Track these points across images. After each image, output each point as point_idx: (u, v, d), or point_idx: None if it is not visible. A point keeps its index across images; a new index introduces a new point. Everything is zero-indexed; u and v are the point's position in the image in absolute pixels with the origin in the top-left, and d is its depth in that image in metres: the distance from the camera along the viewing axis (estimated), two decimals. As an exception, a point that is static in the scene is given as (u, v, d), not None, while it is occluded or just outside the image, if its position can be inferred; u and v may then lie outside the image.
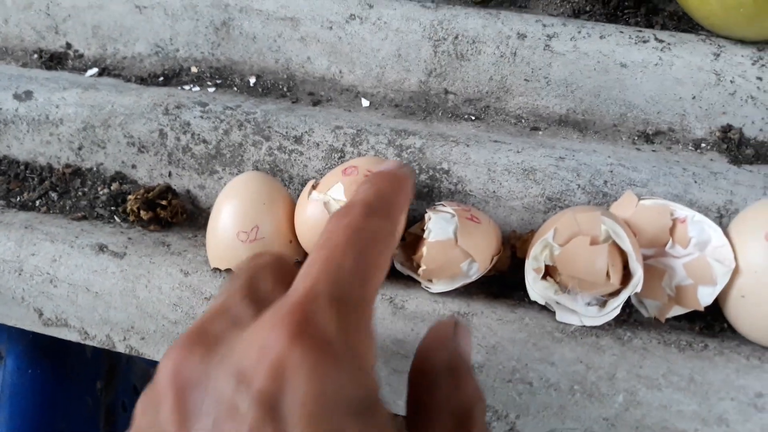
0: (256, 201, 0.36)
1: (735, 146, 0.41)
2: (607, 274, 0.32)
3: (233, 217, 0.36)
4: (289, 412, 0.17)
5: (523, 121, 0.44)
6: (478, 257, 0.34)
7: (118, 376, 0.51)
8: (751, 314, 0.33)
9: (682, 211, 0.34)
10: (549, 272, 0.34)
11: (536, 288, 0.33)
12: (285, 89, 0.46)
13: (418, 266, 0.35)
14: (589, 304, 0.34)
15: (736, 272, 0.32)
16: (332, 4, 0.45)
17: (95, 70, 0.48)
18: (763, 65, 0.41)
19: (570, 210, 0.34)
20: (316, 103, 0.45)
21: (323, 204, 0.35)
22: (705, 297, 0.33)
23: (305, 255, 0.37)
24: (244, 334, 0.19)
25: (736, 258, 0.33)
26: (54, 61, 0.49)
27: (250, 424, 0.17)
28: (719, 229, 0.33)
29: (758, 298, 0.32)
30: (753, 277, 0.32)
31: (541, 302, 0.34)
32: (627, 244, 0.32)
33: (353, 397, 0.18)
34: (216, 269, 0.37)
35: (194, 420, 0.18)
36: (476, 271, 0.35)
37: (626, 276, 0.33)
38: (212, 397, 0.18)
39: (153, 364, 0.58)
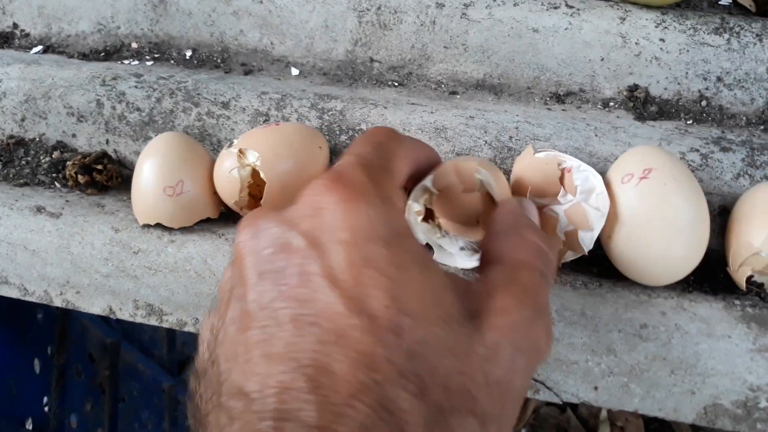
0: (178, 158, 0.38)
1: (641, 104, 0.44)
2: (477, 221, 0.34)
3: (158, 174, 0.38)
4: (328, 242, 0.21)
5: (442, 86, 0.46)
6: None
7: (70, 342, 0.53)
8: (621, 254, 0.35)
9: (569, 161, 0.36)
10: (430, 215, 0.36)
11: (419, 229, 0.35)
12: (219, 61, 0.49)
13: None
14: (462, 248, 0.36)
15: (609, 216, 0.35)
16: (262, -21, 0.48)
17: (40, 47, 0.50)
18: (665, 28, 0.44)
19: (453, 160, 0.36)
20: (247, 73, 0.47)
21: (236, 156, 0.37)
22: (586, 241, 0.35)
23: (226, 207, 0.40)
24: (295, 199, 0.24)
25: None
26: (1, 40, 0.52)
27: (301, 254, 0.21)
28: (600, 177, 0.36)
29: (624, 239, 0.34)
30: (617, 219, 0.34)
31: (424, 242, 0.36)
32: (497, 194, 0.34)
33: (382, 230, 0.22)
34: (146, 225, 0.40)
35: (264, 262, 0.22)
36: None
37: None
38: (271, 239, 0.22)
39: (108, 333, 0.61)
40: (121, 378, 0.61)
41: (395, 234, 0.22)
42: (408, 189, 0.33)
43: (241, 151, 0.37)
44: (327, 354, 0.20)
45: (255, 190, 0.38)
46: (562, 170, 0.36)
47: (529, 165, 0.37)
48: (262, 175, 0.37)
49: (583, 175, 0.36)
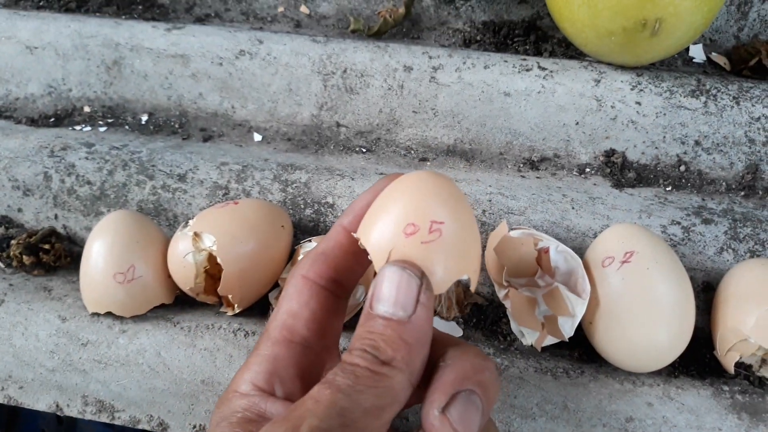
0: (129, 240, 0.36)
1: (618, 170, 0.42)
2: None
3: (107, 258, 0.35)
4: None
5: (412, 152, 0.44)
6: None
7: (20, 421, 0.50)
8: (603, 341, 0.33)
9: (547, 241, 0.34)
10: None
11: None
12: (177, 126, 0.46)
13: None
14: None
15: (589, 300, 0.33)
16: (222, 41, 0.45)
17: (-15, 112, 0.47)
18: (641, 90, 0.42)
19: None
20: (207, 139, 0.45)
21: (191, 239, 0.34)
22: (566, 327, 0.33)
23: (180, 291, 0.37)
24: None
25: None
26: (-56, 104, 0.48)
27: None
28: (579, 260, 0.34)
29: (606, 325, 0.32)
30: (598, 304, 0.33)
31: None
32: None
33: None
34: (95, 314, 0.37)
35: None
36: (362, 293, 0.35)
37: None
38: None
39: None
40: (78, 454, 0.57)
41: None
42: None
43: (196, 234, 0.35)
44: None
45: (214, 269, 0.36)
46: (539, 251, 0.34)
47: (504, 244, 0.35)
48: (219, 259, 0.34)
49: (561, 256, 0.34)
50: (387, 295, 0.24)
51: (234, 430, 0.23)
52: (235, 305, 0.36)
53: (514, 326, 0.36)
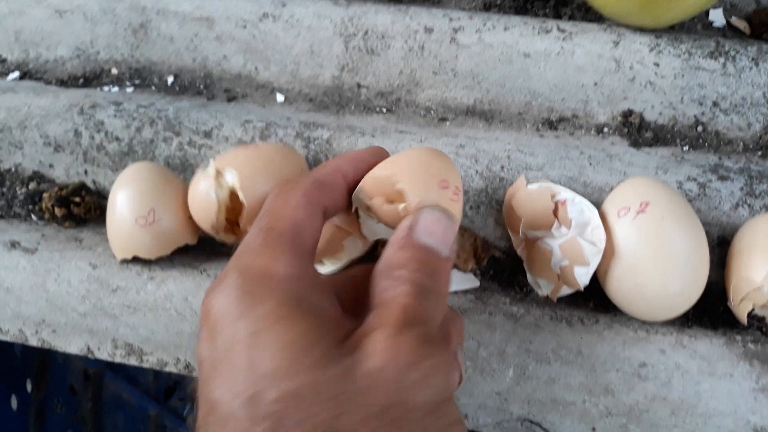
0: (148, 187, 0.37)
1: (636, 130, 0.43)
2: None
3: (129, 205, 0.37)
4: (206, 328, 0.24)
5: (432, 112, 0.45)
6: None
7: (50, 375, 0.51)
8: (618, 290, 0.34)
9: (564, 193, 0.35)
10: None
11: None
12: (202, 87, 0.47)
13: None
14: None
15: (605, 250, 0.33)
16: (246, 4, 0.47)
17: (17, 74, 0.49)
18: (660, 52, 0.42)
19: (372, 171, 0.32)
20: (230, 99, 0.46)
21: (213, 177, 0.35)
22: (582, 277, 0.34)
23: (202, 231, 0.38)
24: None
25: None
26: (-22, 66, 0.50)
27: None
28: (596, 210, 0.34)
29: (621, 274, 0.33)
30: (613, 253, 0.33)
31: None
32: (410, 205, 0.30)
33: (238, 306, 0.23)
34: (124, 261, 0.38)
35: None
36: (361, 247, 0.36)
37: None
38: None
39: (92, 364, 0.59)
40: (105, 409, 0.59)
41: (251, 298, 0.23)
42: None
43: (218, 172, 0.36)
44: None
45: (230, 214, 0.37)
46: (556, 203, 0.35)
47: (522, 197, 0.36)
48: (241, 196, 0.35)
49: (578, 207, 0.35)
50: (434, 230, 0.25)
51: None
52: None
53: (530, 277, 0.37)
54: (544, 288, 0.36)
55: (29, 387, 0.50)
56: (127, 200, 0.36)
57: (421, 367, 0.22)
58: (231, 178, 0.34)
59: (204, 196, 0.35)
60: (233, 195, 0.35)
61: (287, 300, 0.23)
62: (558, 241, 0.34)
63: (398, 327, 0.22)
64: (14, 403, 0.48)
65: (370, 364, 0.22)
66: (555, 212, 0.35)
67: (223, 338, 0.22)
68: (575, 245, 0.34)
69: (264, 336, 0.22)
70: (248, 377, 0.21)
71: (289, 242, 0.25)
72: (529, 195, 0.36)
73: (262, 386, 0.21)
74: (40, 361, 0.51)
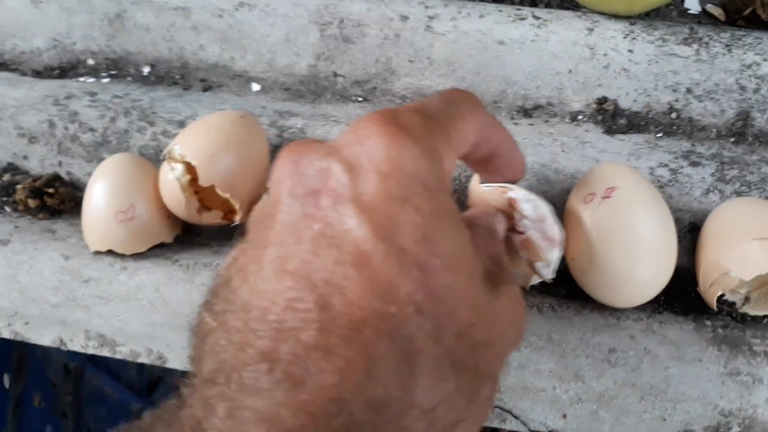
0: (129, 180, 0.37)
1: (610, 117, 0.43)
2: None
3: (108, 198, 0.37)
4: (367, 170, 0.20)
5: (408, 100, 0.45)
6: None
7: (28, 370, 0.51)
8: (586, 277, 0.34)
9: (514, 192, 0.34)
10: None
11: None
12: (178, 77, 0.47)
13: None
14: None
15: (573, 238, 0.33)
16: (221, -7, 0.46)
17: (-7, 65, 0.49)
18: (634, 38, 0.42)
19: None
20: (206, 89, 0.46)
21: (168, 158, 0.35)
22: (544, 272, 0.34)
23: (182, 230, 0.38)
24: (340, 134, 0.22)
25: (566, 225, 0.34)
26: (-47, 58, 0.50)
27: (336, 179, 0.20)
28: (549, 206, 0.34)
29: (588, 261, 0.33)
30: (580, 240, 0.33)
31: None
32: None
33: (425, 173, 0.21)
34: (97, 252, 0.38)
35: (298, 185, 0.21)
36: None
37: None
38: (310, 164, 0.21)
39: (72, 358, 0.59)
40: (86, 403, 0.59)
41: (436, 182, 0.21)
42: (471, 164, 0.31)
43: (169, 151, 0.36)
44: (343, 276, 0.19)
45: (206, 190, 0.36)
46: (508, 200, 0.35)
47: (476, 196, 0.36)
48: (194, 162, 0.35)
49: (531, 204, 0.34)
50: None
51: None
52: (237, 207, 0.36)
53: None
54: (518, 277, 0.36)
55: (6, 382, 0.50)
56: (105, 192, 0.36)
57: (522, 327, 0.24)
58: (179, 150, 0.34)
59: (166, 181, 0.35)
60: (191, 168, 0.35)
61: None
62: (519, 238, 0.34)
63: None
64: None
65: (500, 304, 0.23)
66: (510, 210, 0.35)
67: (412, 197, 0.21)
68: (529, 243, 0.34)
69: (443, 221, 0.21)
70: (422, 243, 0.20)
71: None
72: (483, 195, 0.35)
73: (430, 262, 0.20)
74: (19, 355, 0.51)
